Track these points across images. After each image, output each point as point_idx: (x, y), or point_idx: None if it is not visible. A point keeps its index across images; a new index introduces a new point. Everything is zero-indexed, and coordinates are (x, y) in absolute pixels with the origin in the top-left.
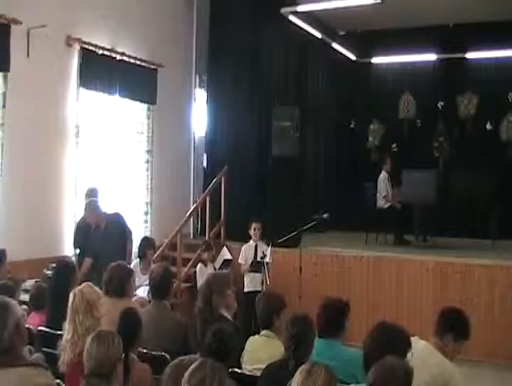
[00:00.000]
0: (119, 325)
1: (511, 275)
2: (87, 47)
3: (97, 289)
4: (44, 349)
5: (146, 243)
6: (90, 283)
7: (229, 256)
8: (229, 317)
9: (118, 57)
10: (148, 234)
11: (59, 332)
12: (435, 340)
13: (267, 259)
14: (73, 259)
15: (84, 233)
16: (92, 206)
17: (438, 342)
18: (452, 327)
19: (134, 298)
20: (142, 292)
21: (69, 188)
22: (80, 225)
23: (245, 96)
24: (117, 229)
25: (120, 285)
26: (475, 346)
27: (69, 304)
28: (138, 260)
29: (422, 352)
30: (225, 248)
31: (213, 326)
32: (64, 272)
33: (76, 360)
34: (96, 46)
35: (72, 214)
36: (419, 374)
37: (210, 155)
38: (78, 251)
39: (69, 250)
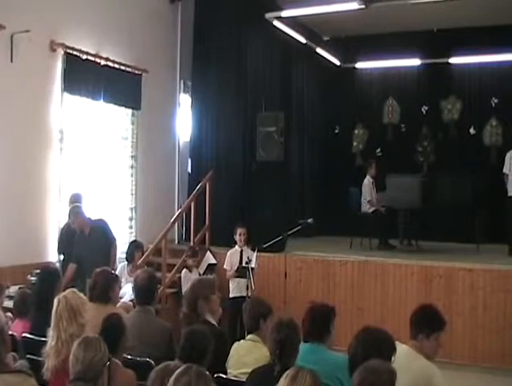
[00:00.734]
0: (102, 330)
1: (495, 279)
2: (71, 51)
3: (81, 295)
4: (28, 356)
5: (135, 245)
6: (74, 289)
7: (213, 261)
8: (213, 322)
9: (103, 62)
10: (133, 239)
11: (43, 339)
12: (412, 342)
13: (253, 264)
14: (57, 265)
15: (69, 239)
16: (76, 211)
17: (414, 343)
18: (422, 324)
19: (119, 304)
20: (129, 296)
21: (53, 194)
22: (64, 231)
23: (229, 101)
24: (101, 235)
25: (104, 291)
26: (459, 350)
27: (53, 310)
28: (125, 263)
29: (403, 356)
30: (208, 252)
31: (185, 330)
32: (48, 278)
33: (60, 367)
34: (80, 51)
35: (56, 220)
36: (401, 377)
37: (195, 160)
38: (62, 257)
39: (53, 256)
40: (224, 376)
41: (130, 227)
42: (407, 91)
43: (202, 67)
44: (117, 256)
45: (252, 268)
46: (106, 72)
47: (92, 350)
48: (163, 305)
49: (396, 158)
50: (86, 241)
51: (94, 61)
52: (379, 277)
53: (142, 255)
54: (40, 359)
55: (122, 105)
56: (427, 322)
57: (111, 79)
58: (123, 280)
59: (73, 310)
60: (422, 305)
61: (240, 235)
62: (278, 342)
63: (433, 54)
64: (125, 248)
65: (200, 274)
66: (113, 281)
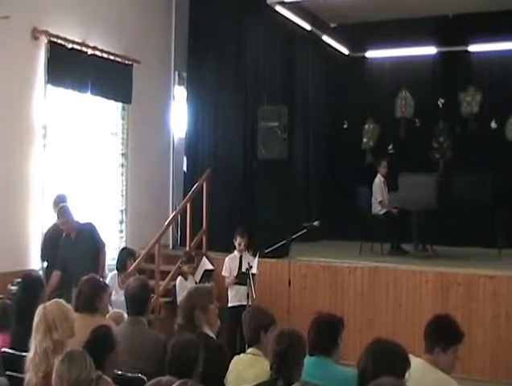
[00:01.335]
0: (88, 344)
1: None
2: (55, 40)
3: (66, 305)
4: (8, 373)
5: (127, 253)
6: (60, 299)
7: (209, 266)
8: (211, 334)
9: (90, 51)
10: (123, 245)
11: (24, 354)
12: (427, 356)
13: (253, 270)
14: (41, 273)
15: (53, 244)
16: (64, 210)
17: (429, 357)
18: (438, 336)
19: (109, 314)
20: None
21: (36, 195)
22: (48, 235)
23: (228, 95)
24: (89, 240)
25: (91, 301)
26: (479, 365)
27: (34, 322)
28: (115, 272)
29: (417, 370)
30: (204, 257)
31: (170, 342)
32: (31, 287)
33: (41, 384)
34: (65, 39)
35: (38, 223)
36: None
37: (191, 158)
38: (46, 264)
39: (36, 263)
40: None
41: (121, 232)
42: (422, 82)
43: (198, 57)
44: (107, 263)
45: (253, 275)
46: (94, 63)
47: (77, 367)
48: (157, 315)
49: (410, 156)
50: (72, 246)
51: (80, 50)
52: (391, 285)
53: (132, 264)
54: (21, 375)
55: (111, 98)
56: (444, 335)
57: (99, 70)
58: (113, 292)
59: (48, 325)
60: (437, 315)
61: (240, 245)
62: (277, 355)
63: (450, 41)
64: (115, 254)
65: (196, 282)
66: (100, 290)
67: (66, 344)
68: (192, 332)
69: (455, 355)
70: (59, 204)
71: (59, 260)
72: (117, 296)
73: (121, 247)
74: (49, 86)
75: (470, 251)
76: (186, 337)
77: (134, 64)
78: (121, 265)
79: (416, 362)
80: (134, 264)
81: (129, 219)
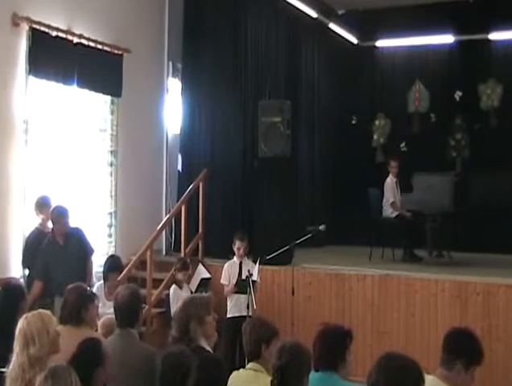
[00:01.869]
0: (74, 359)
1: None
2: (37, 27)
3: (49, 317)
4: None
5: (112, 263)
6: (43, 310)
7: (206, 275)
8: (208, 348)
9: (76, 40)
10: (112, 250)
11: (3, 370)
12: (441, 370)
13: (254, 278)
14: (22, 281)
15: (35, 250)
16: (64, 213)
17: (444, 372)
18: (462, 351)
19: (101, 320)
20: None
21: (16, 196)
22: (29, 240)
23: (227, 87)
24: (76, 246)
25: (77, 312)
26: (499, 384)
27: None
28: (101, 282)
29: None
30: (200, 265)
31: (160, 354)
32: (11, 297)
33: None
34: (48, 26)
35: (19, 227)
36: None
37: (186, 156)
38: (27, 271)
39: (17, 270)
40: None
41: (110, 236)
42: (438, 73)
43: (194, 46)
44: (94, 271)
45: (253, 282)
46: (80, 52)
47: (61, 384)
48: (149, 327)
49: (424, 154)
50: (59, 252)
51: (65, 38)
52: (404, 295)
53: (121, 273)
54: None
55: (100, 91)
56: (468, 351)
57: (86, 60)
58: (100, 304)
59: (26, 338)
60: (460, 328)
61: (239, 249)
62: (279, 370)
63: (469, 28)
64: (103, 260)
65: (191, 291)
66: (87, 300)
67: (46, 360)
68: (187, 345)
69: (472, 376)
70: (40, 207)
71: (41, 267)
72: (104, 308)
73: (110, 253)
74: (31, 77)
75: (490, 257)
76: (178, 348)
77: (125, 54)
78: (104, 276)
79: (429, 380)
80: (124, 272)
81: (118, 223)
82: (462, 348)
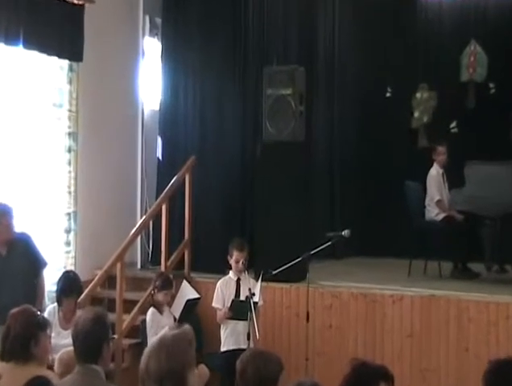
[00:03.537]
0: None
1: None
2: None
3: None
4: None
5: (66, 284)
6: None
7: (194, 294)
8: None
9: None
10: (71, 263)
11: None
12: None
13: (256, 299)
14: None
15: None
16: (8, 211)
17: None
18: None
19: (59, 354)
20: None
21: None
22: None
23: (221, 50)
24: (23, 257)
25: (24, 344)
26: None
27: None
28: (55, 305)
29: None
30: (185, 282)
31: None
32: None
33: None
34: None
35: None
36: None
37: (168, 140)
38: None
39: None
40: None
41: (67, 244)
42: (499, 31)
43: None
44: (46, 290)
45: (255, 305)
46: (27, 3)
47: None
48: (119, 363)
49: (481, 137)
50: (1, 265)
51: None
52: (454, 321)
53: (81, 293)
54: None
55: (53, 54)
56: None
57: (35, 13)
58: (53, 333)
59: None
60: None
61: (237, 261)
62: None
63: None
64: (59, 276)
65: (175, 318)
66: (37, 328)
67: None
68: None
69: None
70: None
71: None
72: (59, 339)
73: (68, 267)
74: None
75: None
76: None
77: (86, 5)
78: (58, 299)
79: None
80: (85, 291)
81: (79, 227)
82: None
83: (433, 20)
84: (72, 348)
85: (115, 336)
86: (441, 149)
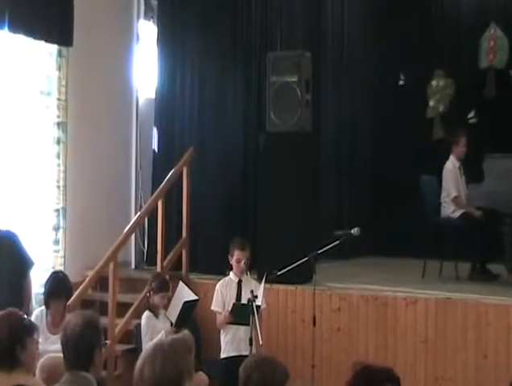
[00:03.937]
0: None
1: None
2: None
3: None
4: None
5: (53, 285)
6: None
7: (191, 296)
8: None
9: None
10: (60, 263)
11: None
12: None
13: (259, 302)
14: None
15: None
16: None
17: None
18: None
19: (43, 358)
20: None
21: None
22: None
23: (221, 34)
24: (8, 257)
25: (9, 350)
26: None
27: None
28: (43, 308)
29: None
30: (181, 283)
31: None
32: None
33: None
34: None
35: None
36: None
37: (164, 131)
38: None
39: None
40: None
41: (56, 243)
42: None
43: None
44: (34, 292)
45: (258, 308)
46: None
47: None
48: (111, 371)
49: (501, 128)
50: None
51: None
52: (472, 326)
53: (70, 296)
54: None
55: (41, 38)
56: None
57: None
58: (41, 339)
59: None
60: None
61: (239, 261)
62: None
63: None
64: (46, 278)
65: (171, 323)
66: (23, 333)
67: None
68: None
69: None
70: None
71: None
72: (47, 344)
73: (57, 267)
74: None
75: None
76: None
77: None
78: (46, 302)
79: None
80: (75, 294)
81: (68, 224)
82: None
83: (450, 1)
84: (56, 354)
85: (107, 341)
86: (459, 140)
